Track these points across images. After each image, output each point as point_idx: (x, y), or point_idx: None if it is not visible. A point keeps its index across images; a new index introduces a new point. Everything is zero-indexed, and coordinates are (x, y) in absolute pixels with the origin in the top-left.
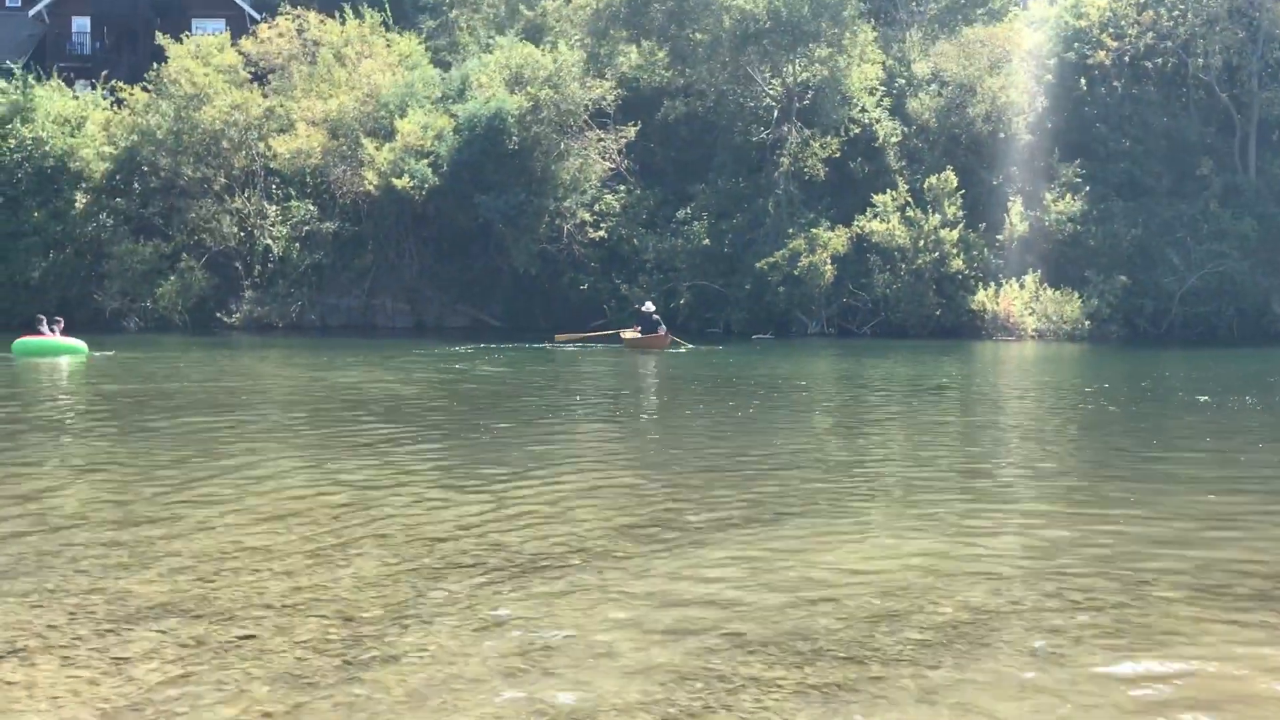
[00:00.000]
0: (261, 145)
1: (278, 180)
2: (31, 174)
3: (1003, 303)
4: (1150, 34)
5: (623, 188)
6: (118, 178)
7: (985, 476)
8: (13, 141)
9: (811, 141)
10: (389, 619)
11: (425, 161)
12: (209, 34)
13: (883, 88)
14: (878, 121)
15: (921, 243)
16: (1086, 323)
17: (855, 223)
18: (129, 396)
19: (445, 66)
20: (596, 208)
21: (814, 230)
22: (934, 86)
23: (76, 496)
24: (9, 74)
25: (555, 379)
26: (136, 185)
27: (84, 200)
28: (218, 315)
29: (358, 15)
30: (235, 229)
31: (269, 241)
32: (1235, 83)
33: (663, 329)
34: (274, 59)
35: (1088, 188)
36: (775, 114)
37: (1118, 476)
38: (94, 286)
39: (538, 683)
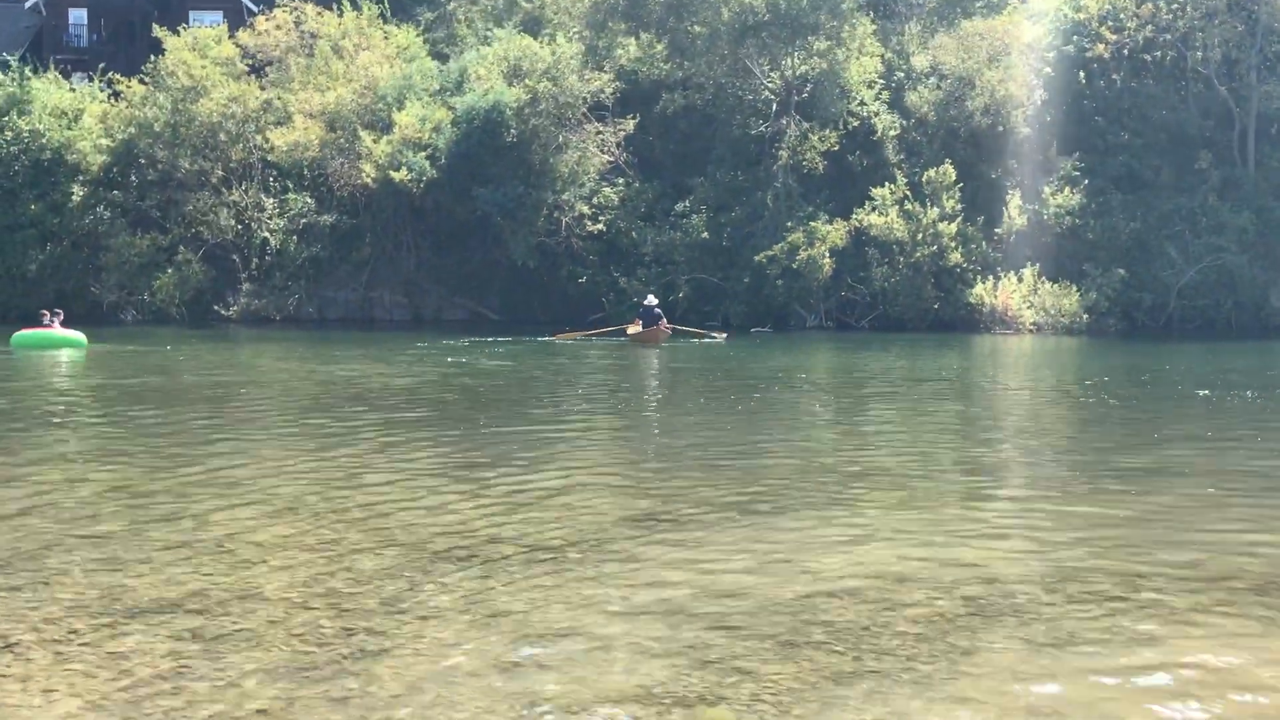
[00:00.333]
0: (259, 138)
1: (275, 173)
2: (28, 166)
3: (1001, 296)
4: (1149, 27)
5: (621, 181)
6: (115, 170)
7: (982, 469)
8: (9, 134)
9: (810, 135)
10: (385, 611)
11: (423, 154)
12: (206, 26)
13: (881, 81)
14: (876, 115)
15: (920, 236)
16: (1085, 316)
17: (854, 216)
18: (125, 389)
19: (443, 59)
20: (595, 201)
21: (812, 223)
22: (933, 80)
23: (71, 489)
24: (6, 66)
25: (554, 372)
26: (134, 178)
27: (81, 193)
28: (215, 308)
29: (355, 7)
30: (233, 222)
31: (266, 234)
32: (1234, 76)
33: (663, 321)
34: (271, 51)
35: (1086, 181)
36: (774, 107)
37: (1116, 469)
38: (91, 279)
39: (533, 675)
